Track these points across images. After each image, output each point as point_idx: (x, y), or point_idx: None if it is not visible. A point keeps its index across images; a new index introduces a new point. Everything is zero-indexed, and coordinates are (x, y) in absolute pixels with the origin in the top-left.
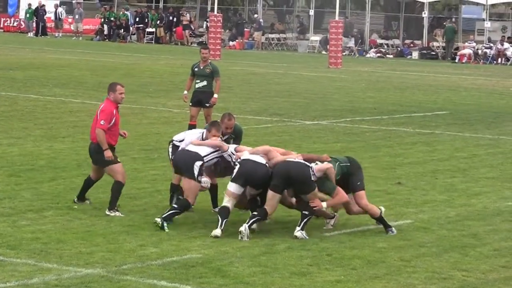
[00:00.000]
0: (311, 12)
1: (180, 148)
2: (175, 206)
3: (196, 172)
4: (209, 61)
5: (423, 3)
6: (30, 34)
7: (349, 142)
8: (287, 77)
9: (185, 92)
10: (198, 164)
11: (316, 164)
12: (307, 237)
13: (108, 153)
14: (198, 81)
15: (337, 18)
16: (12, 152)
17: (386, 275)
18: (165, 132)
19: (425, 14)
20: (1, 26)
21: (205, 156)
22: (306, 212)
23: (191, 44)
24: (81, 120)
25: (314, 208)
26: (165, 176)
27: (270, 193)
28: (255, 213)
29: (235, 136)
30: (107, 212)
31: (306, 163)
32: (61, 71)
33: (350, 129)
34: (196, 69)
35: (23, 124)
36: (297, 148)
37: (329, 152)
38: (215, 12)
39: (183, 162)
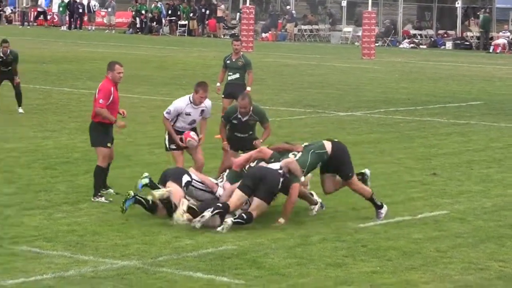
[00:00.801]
0: (344, 3)
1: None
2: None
3: (182, 183)
4: (241, 53)
5: None
6: (63, 28)
7: (383, 133)
8: (320, 68)
9: (218, 84)
10: (185, 179)
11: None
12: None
13: (120, 123)
14: (231, 73)
15: (369, 9)
16: (47, 145)
17: (422, 266)
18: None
19: (458, 4)
20: (35, 20)
21: (194, 179)
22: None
23: (224, 36)
24: None
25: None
26: None
27: (237, 191)
28: (219, 204)
29: (259, 119)
30: (92, 199)
31: (281, 171)
32: (94, 64)
33: (384, 120)
34: (228, 62)
35: (57, 117)
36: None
37: (362, 143)
38: (248, 4)
39: (172, 173)
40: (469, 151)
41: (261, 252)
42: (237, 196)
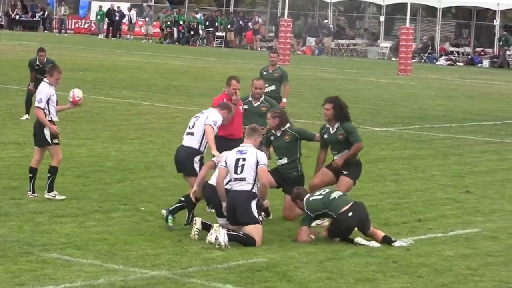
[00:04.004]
0: (382, 19)
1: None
2: (181, 199)
3: (197, 168)
4: (278, 65)
5: (494, 11)
6: (101, 36)
7: (417, 149)
8: (356, 83)
9: None
10: (197, 159)
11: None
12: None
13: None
14: (267, 85)
15: (407, 25)
16: (80, 153)
17: (452, 284)
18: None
19: (496, 22)
20: (72, 27)
21: (200, 147)
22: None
23: (261, 48)
24: (149, 122)
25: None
26: None
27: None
28: (242, 234)
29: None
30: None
31: (253, 191)
32: (131, 73)
33: (419, 137)
34: (264, 73)
35: (92, 125)
36: (365, 154)
37: (396, 159)
38: (285, 17)
39: (182, 160)
40: (503, 169)
41: (292, 265)
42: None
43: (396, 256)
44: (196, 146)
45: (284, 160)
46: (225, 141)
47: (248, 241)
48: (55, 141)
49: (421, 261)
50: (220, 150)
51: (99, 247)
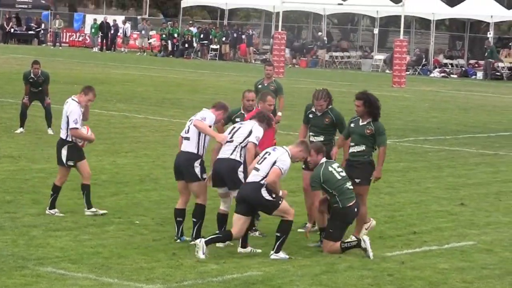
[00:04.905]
0: (376, 31)
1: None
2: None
3: (198, 172)
4: (273, 78)
5: (488, 23)
6: (95, 49)
7: (412, 161)
8: (350, 95)
9: None
10: (197, 163)
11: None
12: (286, 257)
13: None
14: None
15: (401, 37)
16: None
17: None
18: None
19: (490, 35)
20: (67, 40)
21: (198, 151)
22: (278, 234)
23: (255, 61)
24: (144, 135)
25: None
26: None
27: (235, 216)
28: (218, 233)
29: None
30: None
31: (261, 182)
32: (125, 86)
33: (413, 149)
34: (259, 86)
35: None
36: None
37: (390, 172)
38: (280, 30)
39: (183, 165)
40: (498, 182)
41: (287, 278)
42: (236, 220)
43: (391, 269)
44: (195, 151)
45: (321, 138)
46: None
47: (227, 237)
48: (70, 163)
49: (416, 274)
50: None
51: (93, 260)
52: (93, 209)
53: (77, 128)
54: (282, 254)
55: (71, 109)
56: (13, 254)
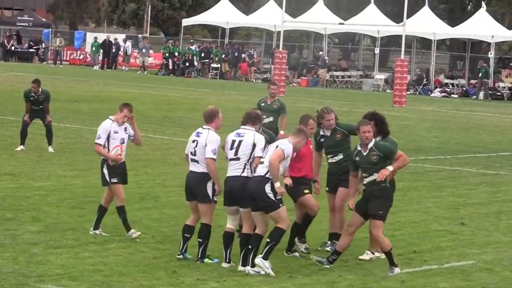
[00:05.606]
0: (377, 51)
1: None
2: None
3: (210, 192)
4: (277, 97)
5: (489, 43)
6: (96, 67)
7: (412, 181)
8: (351, 114)
9: None
10: (210, 183)
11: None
12: (268, 269)
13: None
14: (265, 116)
15: (402, 57)
16: (76, 184)
17: None
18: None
19: (491, 55)
20: (67, 58)
21: None
22: (268, 240)
23: (255, 80)
24: (144, 153)
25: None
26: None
27: (251, 213)
28: (251, 245)
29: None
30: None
31: (266, 176)
32: None
33: (413, 168)
34: (262, 104)
35: (87, 156)
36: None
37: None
38: (280, 49)
39: (195, 185)
40: (498, 201)
41: None
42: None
43: None
44: (206, 170)
45: (340, 156)
46: (296, 180)
47: (256, 242)
48: (113, 180)
49: None
50: (296, 189)
51: (94, 278)
52: (130, 232)
53: (98, 144)
54: (266, 264)
55: (100, 125)
56: (13, 271)
